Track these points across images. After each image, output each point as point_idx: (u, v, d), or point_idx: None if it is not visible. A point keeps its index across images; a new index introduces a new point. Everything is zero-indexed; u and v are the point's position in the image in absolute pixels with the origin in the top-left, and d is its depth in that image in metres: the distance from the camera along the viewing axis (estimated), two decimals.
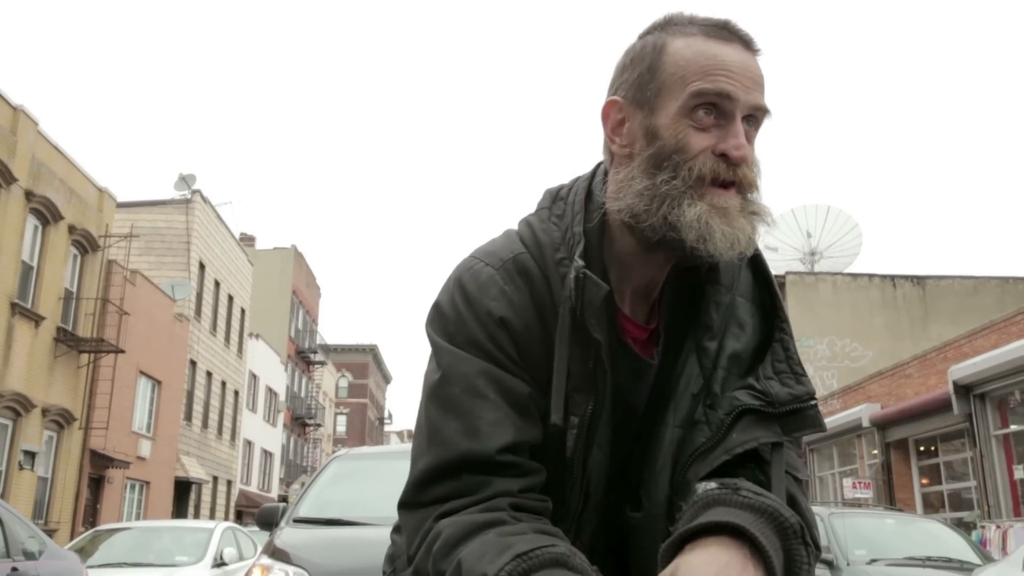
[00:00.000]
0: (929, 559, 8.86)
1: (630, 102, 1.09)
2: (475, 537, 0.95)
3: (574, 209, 1.13)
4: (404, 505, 1.07)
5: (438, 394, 1.07)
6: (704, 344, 1.11)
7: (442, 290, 1.14)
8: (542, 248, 1.11)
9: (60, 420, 18.50)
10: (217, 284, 30.27)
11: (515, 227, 1.19)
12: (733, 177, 1.04)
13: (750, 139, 1.07)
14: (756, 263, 1.18)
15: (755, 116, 1.07)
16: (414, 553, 1.03)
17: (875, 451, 20.12)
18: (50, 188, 17.69)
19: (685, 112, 1.04)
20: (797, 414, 1.07)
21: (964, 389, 15.36)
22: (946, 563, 8.83)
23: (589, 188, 1.15)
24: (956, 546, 9.36)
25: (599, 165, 1.19)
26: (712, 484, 0.99)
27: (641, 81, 1.08)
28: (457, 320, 1.08)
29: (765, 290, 1.17)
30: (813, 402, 1.09)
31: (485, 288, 1.08)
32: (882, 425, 19.23)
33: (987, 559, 8.81)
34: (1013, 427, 15.15)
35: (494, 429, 1.02)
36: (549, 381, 1.07)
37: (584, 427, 1.07)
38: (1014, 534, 12.44)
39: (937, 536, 9.61)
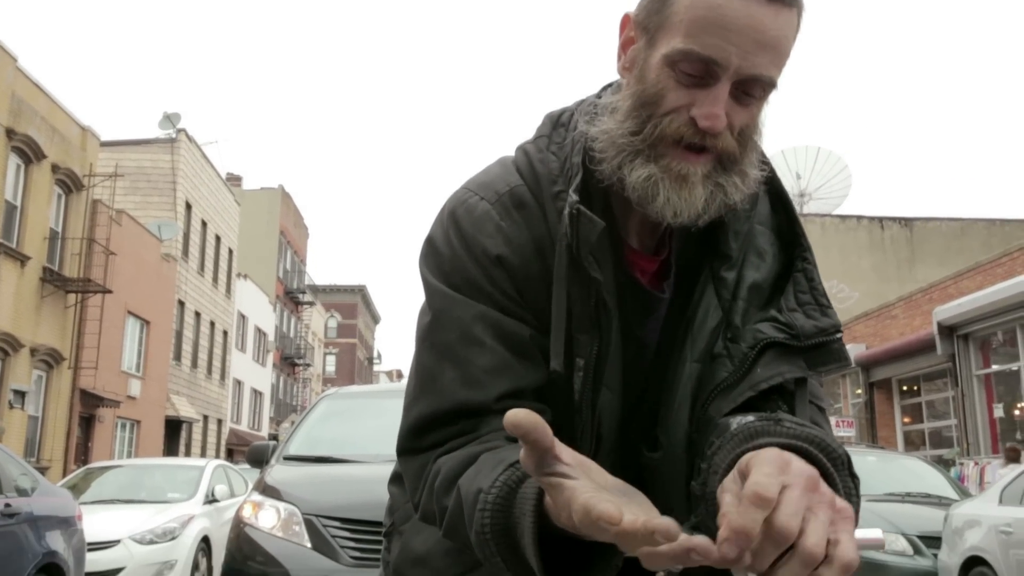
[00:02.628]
0: (909, 495, 9.06)
1: (638, 25, 1.02)
2: (472, 465, 0.93)
3: (574, 137, 1.05)
4: (402, 452, 1.04)
5: (432, 339, 1.03)
6: (721, 274, 1.06)
7: (435, 224, 1.09)
8: (539, 180, 1.06)
9: (49, 360, 18.51)
10: (204, 224, 30.06)
11: (511, 155, 1.13)
12: (703, 143, 0.96)
13: (746, 106, 0.97)
14: (775, 190, 1.12)
15: (752, 84, 0.96)
16: (419, 498, 1.02)
17: (859, 391, 20.42)
18: (31, 126, 17.40)
19: (669, 62, 0.96)
20: (822, 348, 1.03)
21: (948, 330, 15.53)
22: (925, 498, 9.03)
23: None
24: (935, 482, 9.56)
25: (607, 86, 1.11)
26: (750, 417, 0.95)
27: (651, 7, 0.99)
28: (452, 258, 1.03)
29: (785, 218, 1.11)
30: (839, 335, 1.04)
31: (480, 224, 1.03)
32: (866, 365, 19.47)
33: (965, 494, 9.01)
34: (995, 367, 15.37)
35: (492, 377, 0.99)
36: (547, 318, 1.03)
37: (591, 369, 1.02)
38: (991, 470, 12.72)
39: (917, 473, 9.80)
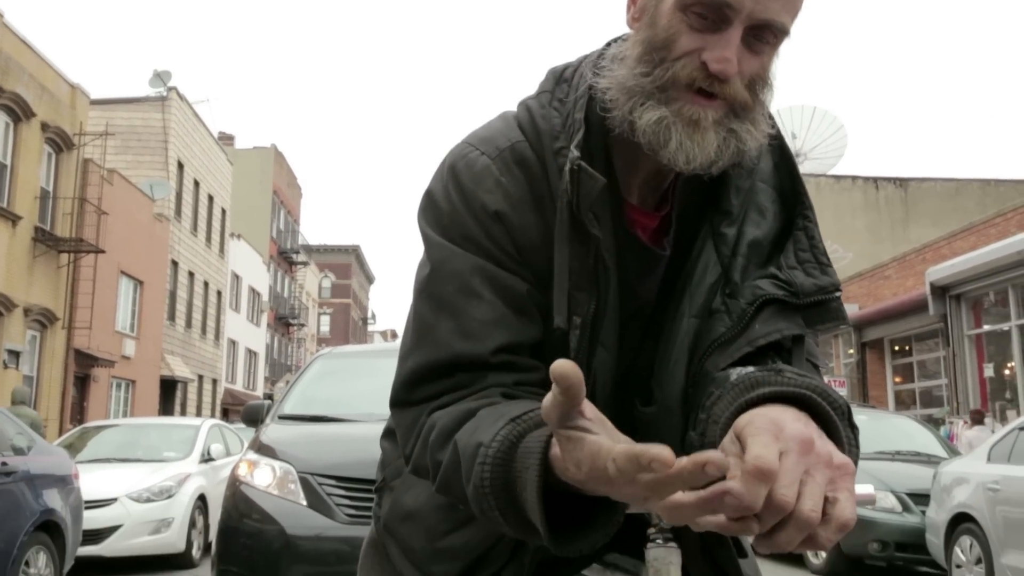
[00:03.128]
0: (899, 453, 9.17)
1: None
2: (470, 421, 0.93)
3: (577, 93, 1.04)
4: (396, 404, 1.04)
5: (430, 291, 1.03)
6: (722, 230, 1.05)
7: (434, 177, 1.08)
8: (540, 136, 1.04)
9: (43, 320, 18.49)
10: (196, 184, 29.86)
11: (513, 109, 1.11)
12: (713, 89, 0.95)
13: (757, 53, 0.96)
14: (779, 147, 1.11)
15: (764, 30, 0.95)
16: (411, 451, 1.02)
17: (851, 350, 20.54)
18: (19, 84, 17.17)
19: (681, 6, 0.94)
20: (821, 306, 1.03)
21: (941, 290, 15.58)
22: (915, 457, 9.15)
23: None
24: (925, 441, 9.67)
25: (613, 40, 1.09)
26: (750, 368, 0.95)
27: None
28: (451, 212, 1.03)
29: (787, 175, 1.10)
30: (838, 293, 1.04)
31: (480, 179, 1.02)
32: (859, 325, 19.57)
33: (954, 453, 9.12)
34: (986, 327, 15.46)
35: (489, 329, 0.98)
36: (550, 276, 1.02)
37: (587, 327, 1.02)
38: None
39: (907, 432, 9.91)
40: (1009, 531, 6.14)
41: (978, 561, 6.44)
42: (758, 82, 0.98)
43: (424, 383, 1.01)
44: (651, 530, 1.00)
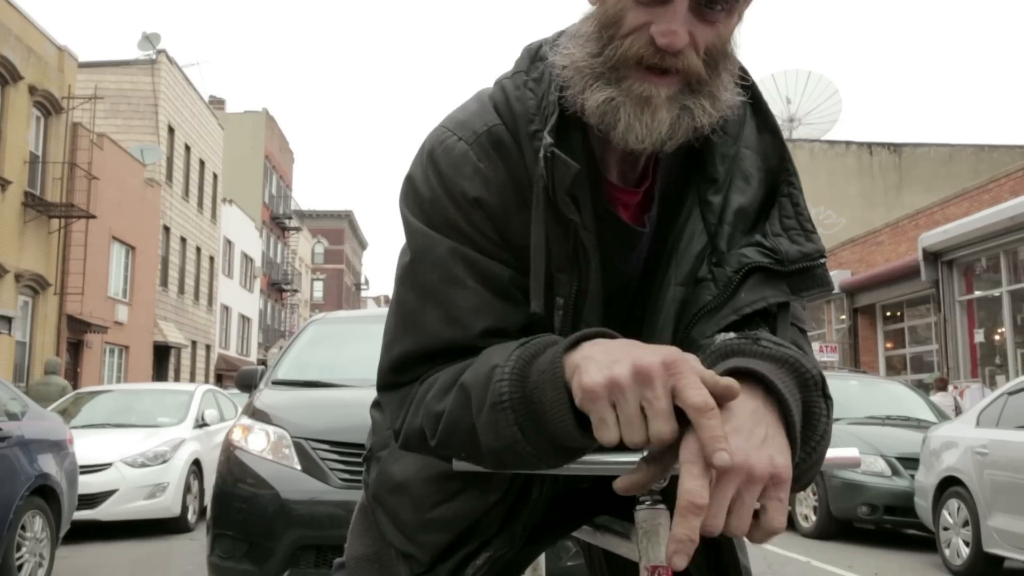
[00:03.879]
0: (889, 418, 9.25)
1: None
2: (472, 365, 0.95)
3: (552, 73, 1.02)
4: (384, 387, 1.05)
5: (413, 280, 1.03)
6: (708, 198, 1.05)
7: (414, 163, 1.08)
8: (516, 118, 1.03)
9: (34, 285, 18.42)
10: (187, 148, 29.63)
11: (489, 88, 1.10)
12: (665, 64, 0.93)
13: (711, 22, 0.93)
14: (761, 113, 1.10)
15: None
16: (402, 422, 1.02)
17: (843, 316, 20.63)
18: (5, 46, 16.94)
19: None
20: (806, 272, 1.03)
21: (933, 256, 15.62)
22: (904, 421, 9.23)
23: None
24: (915, 406, 9.75)
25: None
26: (731, 334, 0.97)
27: None
28: (431, 199, 1.03)
29: (771, 142, 1.09)
30: (823, 260, 1.04)
31: (458, 166, 1.02)
32: (851, 291, 19.63)
33: (943, 417, 9.20)
34: (977, 293, 15.53)
35: (474, 316, 0.99)
36: (527, 256, 1.02)
37: (570, 308, 1.02)
38: (970, 394, 12.97)
39: (898, 397, 9.99)
40: (996, 494, 6.22)
41: (965, 523, 6.53)
42: (714, 52, 0.96)
43: (413, 367, 1.02)
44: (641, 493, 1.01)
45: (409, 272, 1.04)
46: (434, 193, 1.03)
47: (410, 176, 1.07)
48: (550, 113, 1.00)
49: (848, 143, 26.54)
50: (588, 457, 0.98)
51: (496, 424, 0.89)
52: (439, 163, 1.03)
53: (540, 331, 0.99)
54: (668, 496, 1.01)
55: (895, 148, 26.40)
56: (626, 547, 1.08)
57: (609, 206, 1.06)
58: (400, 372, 1.03)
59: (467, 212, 1.01)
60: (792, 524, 8.80)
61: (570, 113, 1.00)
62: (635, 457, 1.00)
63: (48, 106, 18.78)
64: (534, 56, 1.08)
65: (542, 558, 1.50)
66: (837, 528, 8.26)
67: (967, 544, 6.48)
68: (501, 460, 0.93)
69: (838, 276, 19.73)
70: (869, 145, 26.50)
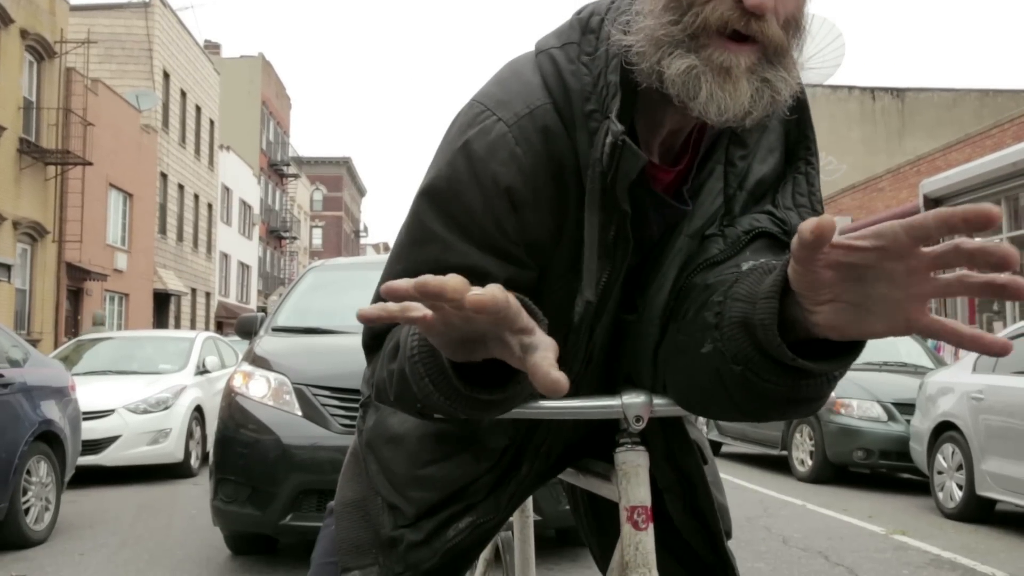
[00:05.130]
0: (886, 364, 9.30)
1: None
2: None
3: (610, 52, 0.97)
4: (364, 348, 1.07)
5: (405, 260, 1.02)
6: (735, 161, 1.04)
7: (444, 140, 1.03)
8: (570, 96, 0.98)
9: (32, 233, 18.37)
10: (183, 94, 29.29)
11: (529, 58, 1.04)
12: (748, 30, 0.90)
13: None
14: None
15: None
16: (371, 379, 1.05)
17: None
18: None
19: None
20: None
21: (934, 202, 15.54)
22: (901, 367, 9.29)
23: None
24: (912, 352, 9.80)
25: None
26: (759, 261, 0.96)
27: None
28: (453, 181, 0.98)
29: (796, 119, 1.08)
30: None
31: (494, 150, 0.97)
32: None
33: (940, 363, 9.25)
34: (977, 239, 15.48)
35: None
36: (552, 242, 1.01)
37: (596, 297, 1.01)
38: None
39: (894, 343, 10.02)
40: (990, 438, 6.28)
41: (959, 468, 6.61)
42: (792, 24, 0.93)
43: (383, 332, 1.03)
44: (620, 435, 1.03)
45: (402, 252, 1.03)
46: (459, 176, 0.98)
47: (436, 155, 1.03)
48: (611, 95, 0.96)
49: (851, 88, 26.23)
50: (558, 402, 0.99)
51: (415, 377, 0.89)
52: (472, 144, 0.98)
53: (559, 316, 0.99)
54: (646, 440, 1.05)
55: (898, 93, 26.10)
56: (607, 488, 1.10)
57: (651, 187, 1.03)
58: (379, 338, 1.04)
59: (491, 200, 0.97)
60: (788, 468, 8.91)
61: (624, 95, 0.96)
62: (614, 401, 1.03)
63: (41, 50, 18.52)
64: (585, 27, 1.02)
65: (529, 499, 1.52)
66: (833, 472, 8.36)
67: (960, 488, 6.56)
68: (436, 413, 0.94)
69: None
70: (872, 90, 26.19)
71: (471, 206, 0.97)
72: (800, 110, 1.07)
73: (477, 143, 0.98)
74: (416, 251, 1.01)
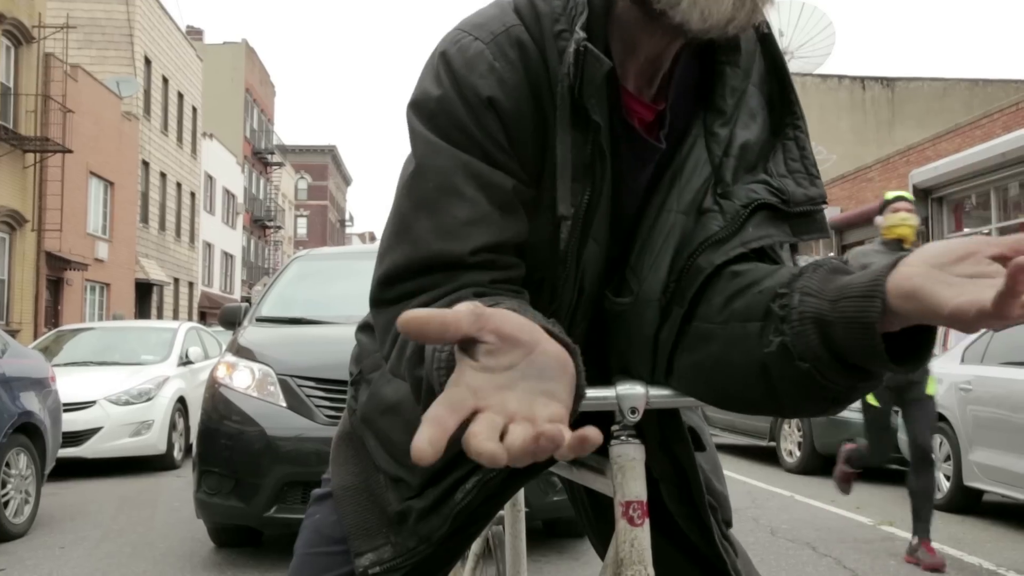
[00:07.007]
0: None
1: None
2: None
3: None
4: (374, 303, 1.02)
5: (411, 188, 0.99)
6: (715, 129, 1.03)
7: (425, 68, 1.03)
8: (540, 19, 0.99)
9: (11, 221, 18.14)
10: (165, 81, 28.99)
11: None
12: None
13: None
14: (770, 52, 1.08)
15: None
16: (387, 353, 1.00)
17: (831, 253, 20.67)
18: None
19: None
20: (807, 216, 1.04)
21: (923, 193, 15.58)
22: None
23: None
24: None
25: None
26: (814, 257, 0.94)
27: None
28: (440, 100, 0.98)
29: (777, 82, 1.07)
30: (824, 205, 1.05)
31: (472, 64, 0.97)
32: (840, 228, 19.63)
33: None
34: (966, 230, 15.55)
35: (469, 229, 0.95)
36: (540, 167, 1.00)
37: (579, 219, 1.00)
38: (955, 332, 13.07)
39: None
40: (978, 429, 6.28)
41: (947, 458, 6.60)
42: None
43: (400, 282, 0.98)
44: (615, 427, 1.00)
45: (409, 182, 1.00)
46: (444, 93, 0.98)
47: (420, 79, 1.03)
48: (579, 13, 0.97)
49: (841, 77, 26.26)
50: None
51: (441, 389, 0.84)
52: (452, 62, 0.98)
53: (545, 242, 0.98)
54: (641, 432, 1.02)
55: (888, 82, 26.16)
56: (601, 482, 1.07)
57: (626, 117, 1.03)
58: (388, 287, 0.99)
59: (478, 113, 0.97)
60: (776, 459, 8.90)
61: (596, 17, 0.98)
62: (608, 392, 1.00)
63: (18, 35, 18.24)
64: None
65: (521, 493, 1.47)
66: (821, 463, 8.36)
67: (948, 478, 6.56)
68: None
69: (827, 213, 19.61)
70: (862, 79, 26.23)
71: (459, 120, 0.97)
72: (780, 74, 1.07)
73: (456, 60, 0.98)
74: (421, 176, 0.98)
